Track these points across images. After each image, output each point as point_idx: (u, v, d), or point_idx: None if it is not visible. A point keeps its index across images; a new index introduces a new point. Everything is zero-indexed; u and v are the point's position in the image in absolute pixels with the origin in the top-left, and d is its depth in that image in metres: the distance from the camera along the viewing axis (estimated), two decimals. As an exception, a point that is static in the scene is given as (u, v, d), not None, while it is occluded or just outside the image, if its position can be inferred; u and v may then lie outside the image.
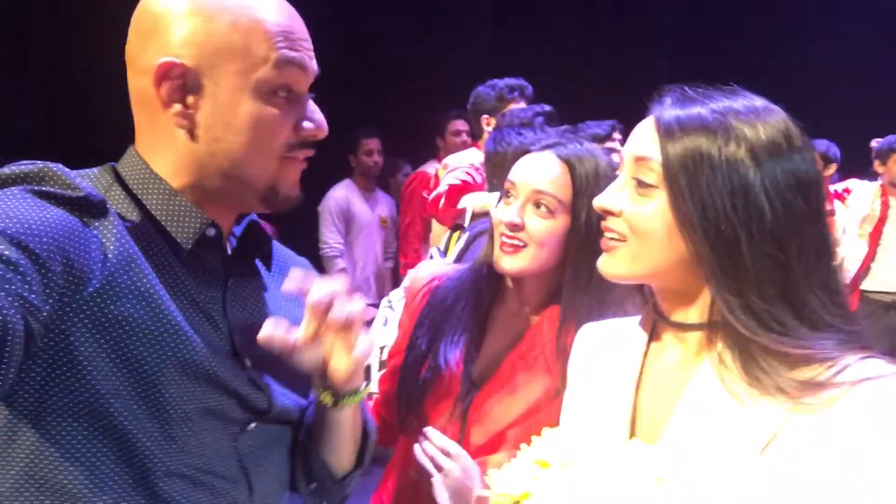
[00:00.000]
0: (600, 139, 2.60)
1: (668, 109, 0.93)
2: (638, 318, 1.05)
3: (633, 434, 0.95)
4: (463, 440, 1.40)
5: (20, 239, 0.77)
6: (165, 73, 0.90)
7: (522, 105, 2.99)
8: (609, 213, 0.97)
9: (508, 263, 1.41)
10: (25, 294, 0.75)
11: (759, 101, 0.93)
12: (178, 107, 0.92)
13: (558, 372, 1.38)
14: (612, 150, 2.87)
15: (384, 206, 4.97)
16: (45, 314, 0.78)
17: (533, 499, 0.78)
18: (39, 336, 0.78)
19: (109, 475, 0.86)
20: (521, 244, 1.40)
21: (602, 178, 1.42)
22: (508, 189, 1.45)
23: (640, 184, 0.94)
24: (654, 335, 1.02)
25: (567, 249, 1.42)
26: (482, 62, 4.81)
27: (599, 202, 0.97)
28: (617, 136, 2.69)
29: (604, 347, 1.08)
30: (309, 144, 0.98)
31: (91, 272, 0.84)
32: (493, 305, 1.50)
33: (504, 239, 1.41)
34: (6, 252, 0.75)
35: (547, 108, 2.58)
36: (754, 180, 0.88)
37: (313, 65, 0.97)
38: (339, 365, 0.98)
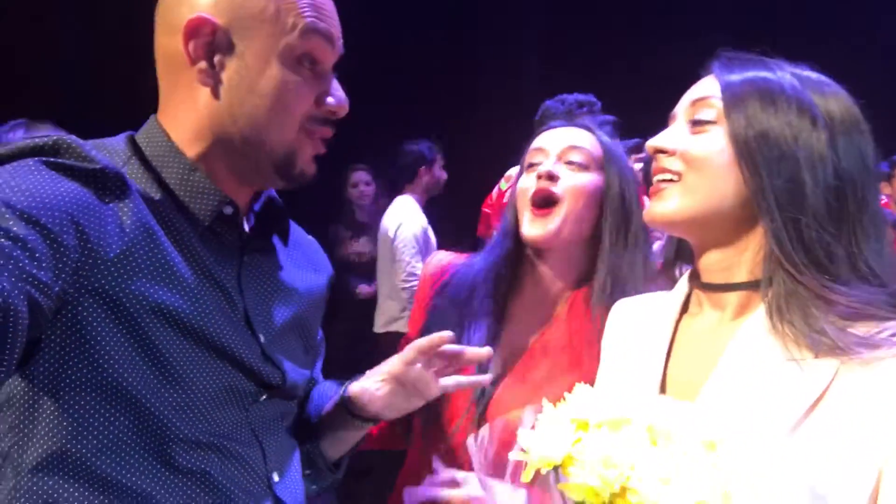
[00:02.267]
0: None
1: (729, 63, 0.92)
2: (673, 290, 0.99)
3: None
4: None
5: (31, 213, 0.76)
6: (195, 29, 0.90)
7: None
8: (662, 151, 0.91)
9: (540, 227, 1.30)
10: (34, 271, 0.74)
11: (826, 78, 0.91)
12: (203, 64, 0.91)
13: (588, 363, 1.29)
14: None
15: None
16: (56, 289, 0.77)
17: (578, 464, 0.70)
18: (50, 311, 0.77)
19: (128, 444, 0.84)
20: (555, 200, 1.30)
21: (621, 150, 1.39)
22: (533, 157, 1.36)
23: (697, 123, 0.90)
24: (688, 303, 0.97)
25: (602, 216, 1.33)
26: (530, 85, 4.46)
27: (653, 142, 0.92)
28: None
29: (637, 320, 1.02)
30: (329, 122, 0.98)
31: (107, 245, 0.83)
32: (513, 294, 1.38)
33: (538, 198, 1.30)
34: (14, 228, 0.74)
35: (590, 98, 2.61)
36: (815, 123, 0.85)
37: (339, 41, 0.98)
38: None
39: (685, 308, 0.98)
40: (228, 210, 0.96)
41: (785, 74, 0.89)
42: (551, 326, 1.35)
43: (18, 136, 2.75)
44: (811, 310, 0.83)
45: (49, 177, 0.81)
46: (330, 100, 0.97)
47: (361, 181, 4.49)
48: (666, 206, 0.91)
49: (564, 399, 0.76)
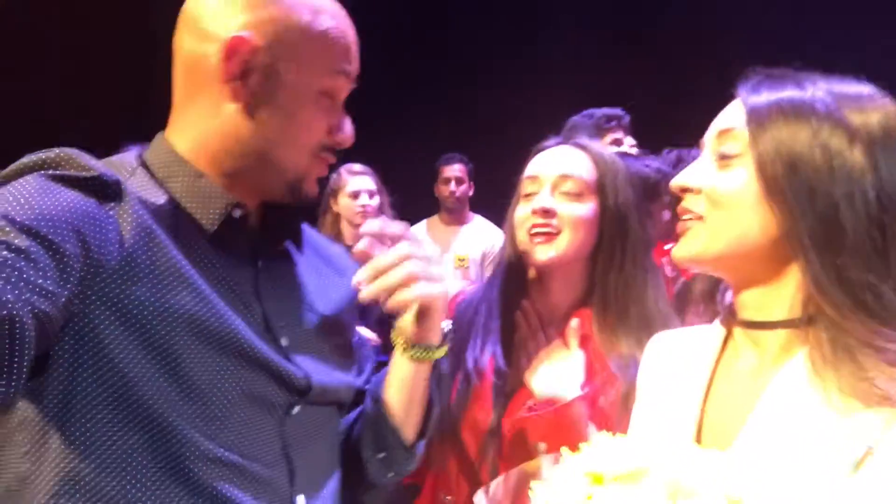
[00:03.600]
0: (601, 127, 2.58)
1: (757, 86, 0.86)
2: (712, 325, 0.94)
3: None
4: (498, 454, 1.31)
5: (32, 226, 0.76)
6: (236, 48, 0.91)
7: (619, 135, 2.95)
8: (686, 189, 0.87)
9: (544, 253, 1.33)
10: (39, 281, 0.73)
11: (865, 88, 0.84)
12: (236, 83, 0.92)
13: (598, 375, 1.28)
14: (616, 142, 2.81)
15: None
16: (63, 299, 0.76)
17: (589, 521, 0.66)
18: (58, 321, 0.77)
19: (143, 462, 0.83)
20: (554, 231, 1.32)
21: (618, 163, 1.38)
22: (528, 186, 1.38)
23: (723, 157, 0.85)
24: (728, 341, 0.91)
25: (600, 233, 1.34)
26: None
27: (676, 181, 0.88)
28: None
29: (675, 356, 0.97)
30: (334, 151, 1.01)
31: (109, 253, 0.82)
32: (519, 313, 1.39)
33: (536, 230, 1.33)
34: (16, 241, 0.74)
35: (618, 112, 2.59)
36: (852, 143, 0.79)
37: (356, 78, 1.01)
38: (406, 316, 1.02)
39: (725, 345, 0.92)
40: (237, 213, 0.96)
41: (817, 91, 0.83)
42: (558, 345, 1.35)
43: None
44: (858, 357, 0.77)
45: (50, 188, 0.82)
46: (342, 132, 1.00)
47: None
48: (690, 247, 0.87)
49: (580, 449, 0.73)
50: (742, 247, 0.83)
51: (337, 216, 3.41)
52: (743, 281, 0.87)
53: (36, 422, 0.82)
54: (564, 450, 0.74)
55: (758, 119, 0.83)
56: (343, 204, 3.39)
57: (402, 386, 1.08)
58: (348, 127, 1.01)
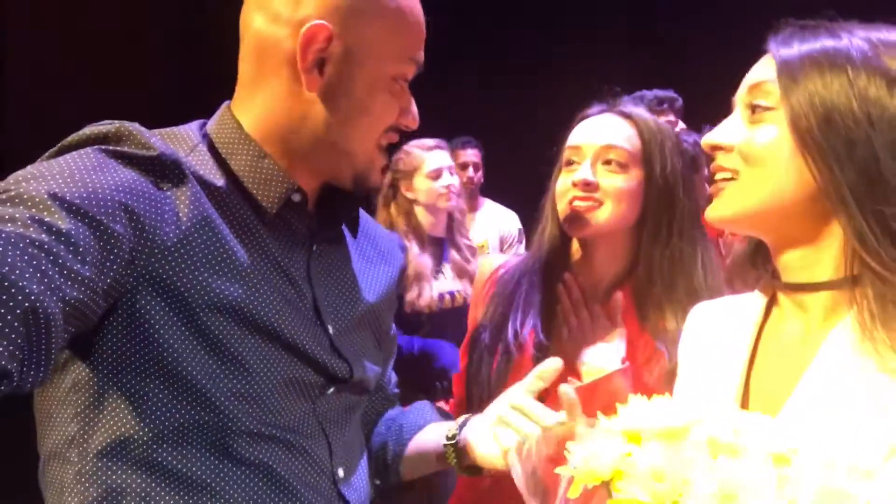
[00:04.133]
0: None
1: (788, 39, 0.82)
2: (754, 292, 0.90)
3: (744, 413, 0.82)
4: None
5: (81, 205, 0.75)
6: (314, 36, 0.89)
7: (671, 118, 2.84)
8: (718, 147, 0.84)
9: (584, 222, 1.29)
10: (76, 266, 0.73)
11: None
12: (312, 69, 0.91)
13: (640, 349, 1.26)
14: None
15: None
16: (108, 280, 0.77)
17: (627, 480, 0.64)
18: (97, 305, 0.76)
19: (190, 433, 0.84)
20: (596, 204, 1.28)
21: (665, 131, 1.33)
22: (570, 156, 1.34)
23: (756, 109, 0.81)
24: (771, 306, 0.88)
25: (645, 205, 1.30)
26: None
27: (708, 138, 0.85)
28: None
29: (716, 326, 0.94)
30: (399, 131, 1.00)
31: (164, 233, 0.82)
32: (561, 285, 1.36)
33: (577, 203, 1.29)
34: (58, 223, 0.73)
35: (670, 93, 2.53)
36: (892, 90, 0.75)
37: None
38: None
39: (769, 311, 0.89)
40: (297, 197, 0.95)
41: (854, 40, 0.79)
42: (601, 318, 1.31)
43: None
44: None
45: (105, 164, 0.81)
46: (409, 116, 0.99)
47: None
48: (725, 208, 0.84)
49: (617, 412, 0.71)
50: (779, 204, 0.80)
51: (409, 203, 2.94)
52: (783, 241, 0.84)
53: (89, 386, 0.83)
54: (600, 414, 0.72)
55: (789, 71, 0.80)
56: (421, 187, 2.90)
57: (424, 464, 1.13)
58: (415, 109, 1.00)
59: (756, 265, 0.94)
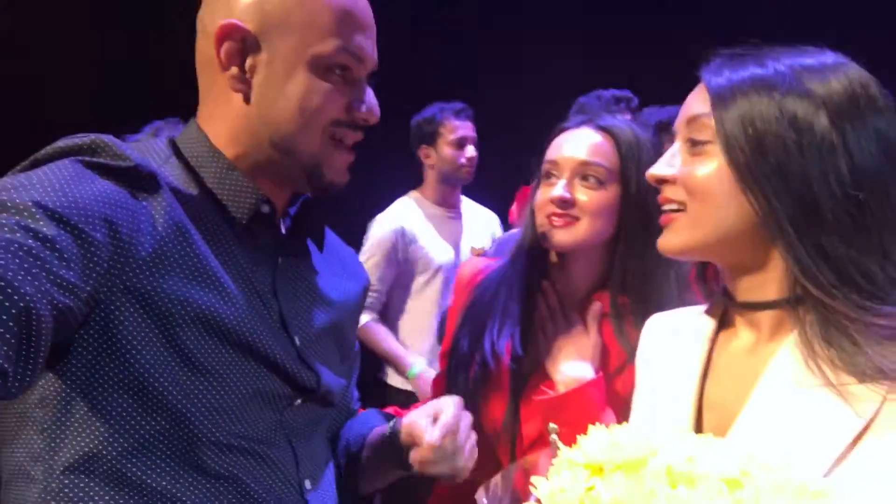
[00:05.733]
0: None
1: (718, 69, 0.84)
2: (708, 305, 0.94)
3: (698, 431, 0.85)
4: (516, 437, 1.32)
5: (62, 213, 0.76)
6: (227, 35, 0.91)
7: (628, 117, 2.84)
8: (663, 180, 0.87)
9: (561, 237, 1.32)
10: (62, 272, 0.74)
11: (829, 57, 0.82)
12: (234, 69, 0.92)
13: (614, 358, 1.29)
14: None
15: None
16: (88, 289, 0.77)
17: (590, 511, 0.67)
18: (80, 312, 0.77)
19: (159, 446, 0.84)
20: (572, 220, 1.32)
21: (643, 145, 1.36)
22: (549, 170, 1.36)
23: (694, 143, 0.84)
24: (723, 322, 0.91)
25: (621, 220, 1.34)
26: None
27: (651, 171, 0.88)
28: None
29: (671, 338, 0.97)
30: (358, 127, 0.98)
31: (140, 244, 0.83)
32: (539, 295, 1.40)
33: (553, 218, 1.32)
34: (44, 229, 0.74)
35: (627, 93, 2.52)
36: (817, 116, 0.77)
37: (373, 53, 0.98)
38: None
39: (721, 326, 0.92)
40: (266, 208, 0.96)
41: (779, 66, 0.81)
42: (578, 327, 1.35)
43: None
44: (848, 331, 0.77)
45: (83, 175, 0.82)
46: (363, 108, 0.97)
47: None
48: (675, 238, 0.86)
49: (577, 442, 0.73)
50: (724, 234, 0.83)
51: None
52: (731, 266, 0.87)
53: (57, 401, 0.83)
54: (553, 438, 0.75)
55: (721, 102, 0.82)
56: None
57: (380, 475, 1.14)
58: (371, 100, 0.98)
59: (706, 280, 0.97)
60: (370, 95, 0.98)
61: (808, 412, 0.78)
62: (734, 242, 0.83)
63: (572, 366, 1.30)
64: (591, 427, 0.75)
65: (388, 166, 3.42)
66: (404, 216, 2.93)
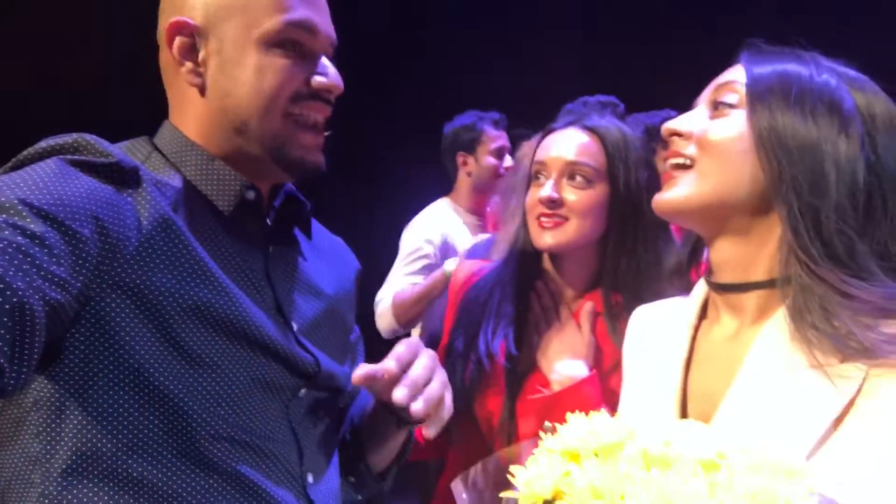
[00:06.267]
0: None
1: (759, 51, 0.88)
2: (690, 294, 0.94)
3: (683, 417, 0.85)
4: (513, 436, 1.32)
5: (49, 210, 0.76)
6: (176, 32, 0.93)
7: None
8: (677, 133, 0.88)
9: (551, 238, 1.33)
10: (52, 268, 0.74)
11: (865, 77, 0.87)
12: (189, 65, 0.94)
13: (608, 356, 1.30)
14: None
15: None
16: (78, 285, 0.77)
17: (567, 499, 0.67)
18: (71, 308, 0.77)
19: (158, 442, 0.84)
20: (561, 220, 1.33)
21: (631, 143, 1.37)
22: (537, 170, 1.38)
23: (718, 105, 0.86)
24: (706, 309, 0.92)
25: (610, 218, 1.34)
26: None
27: (668, 125, 0.89)
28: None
29: (655, 328, 0.98)
30: (321, 99, 0.97)
31: (126, 239, 0.83)
32: (531, 296, 1.41)
33: (543, 219, 1.33)
34: (31, 226, 0.74)
35: (613, 99, 2.52)
36: (850, 122, 0.81)
37: (326, 26, 0.97)
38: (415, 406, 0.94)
39: (704, 313, 0.92)
40: (251, 195, 0.96)
41: (818, 69, 0.85)
42: (571, 325, 1.35)
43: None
44: (833, 307, 0.77)
45: (67, 173, 0.82)
46: (319, 78, 0.96)
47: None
48: (676, 193, 0.86)
49: (556, 431, 0.73)
50: (729, 195, 0.84)
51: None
52: (723, 237, 0.87)
53: (51, 402, 0.82)
54: (542, 433, 0.75)
55: (757, 83, 0.84)
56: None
57: (383, 441, 1.10)
58: (330, 71, 0.97)
59: (689, 271, 0.98)
60: (328, 66, 0.97)
61: (792, 394, 0.78)
62: (733, 206, 0.84)
63: (566, 364, 1.30)
64: (570, 416, 0.75)
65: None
66: (444, 223, 2.93)
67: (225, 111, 0.94)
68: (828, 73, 0.84)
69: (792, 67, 0.85)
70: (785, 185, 0.80)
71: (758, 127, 0.82)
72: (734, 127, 0.84)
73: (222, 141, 0.96)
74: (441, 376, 0.96)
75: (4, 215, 0.74)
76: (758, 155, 0.82)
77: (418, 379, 0.93)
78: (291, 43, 0.94)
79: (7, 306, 0.68)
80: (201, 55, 0.94)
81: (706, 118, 0.87)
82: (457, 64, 4.06)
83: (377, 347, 1.15)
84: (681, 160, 0.87)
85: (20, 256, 0.71)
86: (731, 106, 0.85)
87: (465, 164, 2.99)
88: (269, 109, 0.93)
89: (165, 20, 0.94)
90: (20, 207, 0.75)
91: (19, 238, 0.72)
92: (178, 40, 0.93)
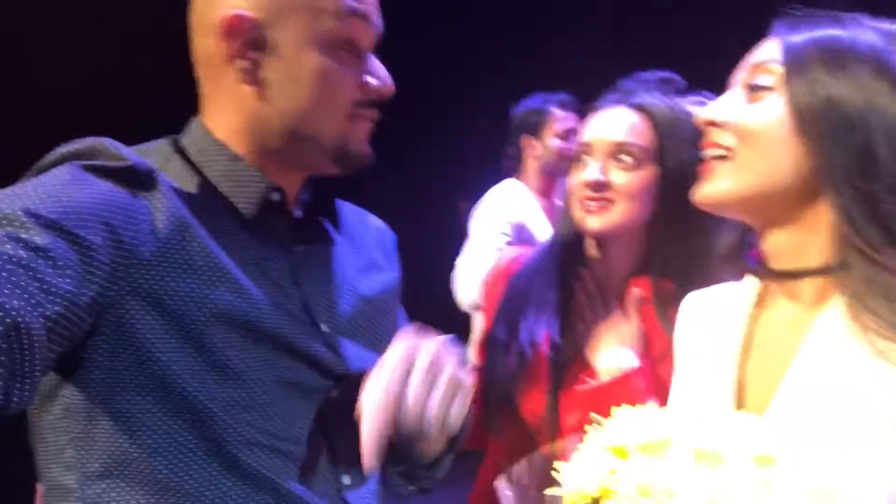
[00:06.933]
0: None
1: (794, 22, 0.83)
2: (744, 280, 0.90)
3: (739, 407, 0.81)
4: (557, 428, 1.29)
5: (56, 220, 0.76)
6: (232, 27, 0.87)
7: None
8: (713, 123, 0.83)
9: (596, 222, 1.28)
10: (56, 281, 0.73)
11: None
12: (243, 62, 0.89)
13: (657, 345, 1.26)
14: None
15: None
16: (90, 295, 0.77)
17: (614, 497, 0.65)
18: (80, 319, 0.76)
19: (187, 447, 0.83)
20: (607, 203, 1.28)
21: (682, 121, 1.30)
22: (582, 152, 1.33)
23: (754, 88, 0.81)
24: (762, 296, 0.88)
25: (659, 200, 1.29)
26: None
27: (702, 114, 0.85)
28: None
29: (709, 316, 0.94)
30: (375, 104, 0.95)
31: (142, 244, 0.82)
32: (577, 282, 1.36)
33: (588, 202, 1.28)
34: (36, 238, 0.73)
35: (672, 76, 2.46)
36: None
37: (378, 19, 0.94)
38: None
39: (760, 300, 0.88)
40: (275, 196, 0.94)
41: (862, 31, 0.79)
42: (617, 313, 1.31)
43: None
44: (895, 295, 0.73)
45: (81, 179, 0.81)
46: (373, 81, 0.94)
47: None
48: (715, 187, 0.83)
49: (602, 425, 0.71)
50: (772, 185, 0.80)
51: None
52: (772, 226, 0.83)
53: (81, 409, 0.83)
54: (588, 427, 0.73)
55: (794, 54, 0.80)
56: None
57: None
58: (382, 73, 0.95)
59: (743, 255, 0.94)
60: (380, 66, 0.95)
61: (853, 384, 0.74)
62: (778, 196, 0.80)
63: (614, 354, 1.27)
64: (615, 409, 0.73)
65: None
66: (519, 205, 2.90)
67: (281, 113, 0.91)
68: (873, 33, 0.79)
69: (830, 33, 0.80)
70: (833, 171, 0.76)
71: (797, 107, 0.78)
72: (772, 112, 0.79)
73: (268, 140, 0.93)
74: (447, 373, 0.83)
75: (8, 228, 0.73)
76: (800, 140, 0.78)
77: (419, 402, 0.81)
78: (350, 42, 0.92)
79: (0, 328, 0.67)
80: (257, 53, 0.89)
81: (742, 103, 0.83)
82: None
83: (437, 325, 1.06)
84: (719, 151, 0.83)
85: (20, 272, 0.71)
86: (767, 89, 0.80)
87: (531, 147, 2.94)
88: (334, 113, 0.92)
89: (218, 11, 0.89)
90: (25, 219, 0.74)
91: (21, 252, 0.72)
92: (235, 36, 0.88)
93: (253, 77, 0.90)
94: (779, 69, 0.80)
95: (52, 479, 0.87)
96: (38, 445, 0.88)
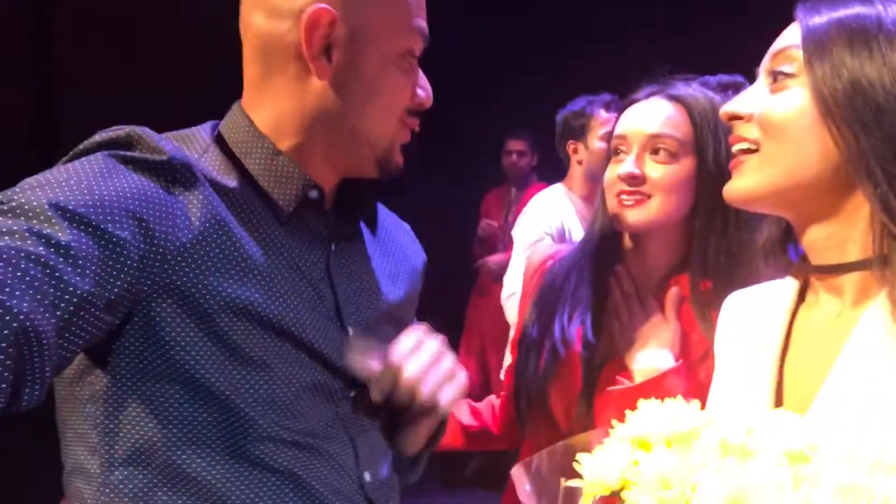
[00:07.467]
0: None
1: (816, 4, 0.79)
2: (787, 278, 0.87)
3: (778, 406, 0.78)
4: (590, 429, 1.25)
5: (83, 213, 0.74)
6: (317, 21, 0.86)
7: None
8: (737, 117, 0.80)
9: (633, 216, 1.24)
10: (74, 279, 0.71)
11: None
12: (319, 57, 0.88)
13: (695, 346, 1.22)
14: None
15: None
16: (115, 291, 0.76)
17: (634, 489, 0.62)
18: (103, 316, 0.75)
19: (212, 439, 0.84)
20: (643, 198, 1.24)
21: (723, 129, 1.25)
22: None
23: (777, 76, 0.78)
24: (804, 292, 0.84)
25: (697, 194, 1.24)
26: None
27: (726, 108, 0.82)
28: None
29: (750, 315, 0.90)
30: (419, 114, 0.97)
31: (176, 239, 0.81)
32: (612, 278, 1.32)
33: (623, 197, 1.25)
34: (58, 234, 0.72)
35: (737, 78, 2.42)
36: None
37: (426, 30, 0.97)
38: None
39: (802, 296, 0.85)
40: (314, 194, 0.93)
41: (888, 6, 0.75)
42: (655, 312, 1.26)
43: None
44: None
45: (115, 170, 0.80)
46: (420, 92, 0.96)
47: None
48: (742, 182, 0.79)
49: (626, 418, 0.69)
50: (800, 177, 0.76)
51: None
52: (807, 219, 0.79)
53: (107, 396, 0.83)
54: (614, 421, 0.70)
55: (815, 36, 0.76)
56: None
57: (409, 422, 1.02)
58: (427, 85, 0.97)
59: (785, 250, 0.90)
60: (424, 78, 0.97)
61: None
62: (809, 189, 0.76)
63: (650, 354, 1.22)
64: (642, 403, 0.70)
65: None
66: (561, 211, 2.88)
67: (346, 110, 0.91)
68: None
69: (853, 11, 0.75)
70: (864, 158, 0.72)
71: (820, 94, 0.74)
72: (795, 101, 0.76)
73: (318, 136, 0.92)
74: (447, 364, 0.92)
75: (32, 221, 0.72)
76: (826, 128, 0.74)
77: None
78: (411, 53, 0.93)
79: (7, 331, 0.65)
80: (335, 50, 0.88)
81: (766, 93, 0.79)
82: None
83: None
84: (745, 145, 0.80)
85: (37, 270, 0.69)
86: (789, 76, 0.77)
87: (575, 151, 2.91)
88: (390, 118, 0.94)
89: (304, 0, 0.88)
90: (50, 213, 0.73)
91: (41, 249, 0.70)
92: (317, 29, 0.87)
93: (326, 72, 0.89)
94: (799, 54, 0.76)
95: (76, 460, 0.87)
96: (63, 426, 0.89)
